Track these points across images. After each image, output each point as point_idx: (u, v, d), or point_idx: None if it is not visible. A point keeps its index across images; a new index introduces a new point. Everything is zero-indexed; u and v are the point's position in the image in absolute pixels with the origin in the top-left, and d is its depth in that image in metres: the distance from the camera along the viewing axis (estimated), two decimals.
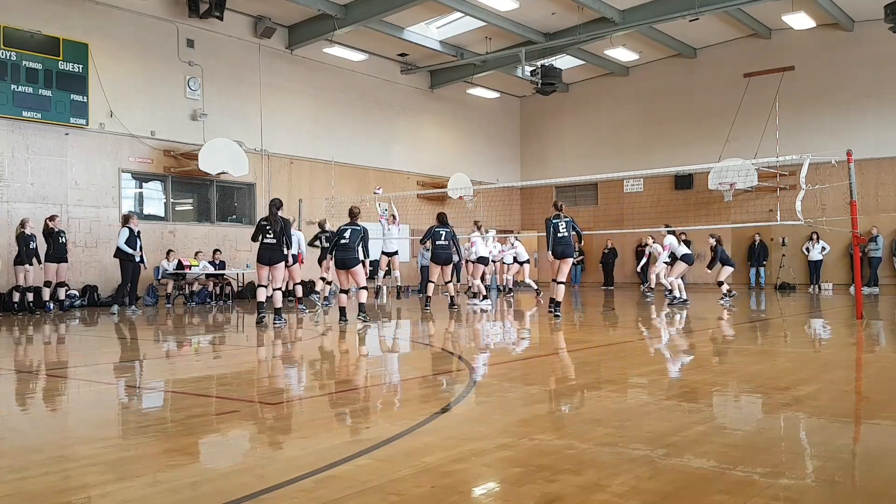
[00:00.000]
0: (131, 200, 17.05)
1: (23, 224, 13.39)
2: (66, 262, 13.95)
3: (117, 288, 13.89)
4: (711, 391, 5.15)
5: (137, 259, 13.52)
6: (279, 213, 10.66)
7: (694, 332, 9.88)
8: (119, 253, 13.48)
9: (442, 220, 13.18)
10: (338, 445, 3.62)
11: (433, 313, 12.51)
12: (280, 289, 10.78)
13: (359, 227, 11.04)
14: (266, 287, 11.03)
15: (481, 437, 3.76)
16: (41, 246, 13.59)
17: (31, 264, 13.31)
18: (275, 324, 10.26)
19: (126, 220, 13.71)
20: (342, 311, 10.95)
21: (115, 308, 13.34)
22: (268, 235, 10.52)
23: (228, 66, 18.51)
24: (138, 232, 13.65)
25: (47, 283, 13.70)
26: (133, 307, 13.58)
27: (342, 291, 11.34)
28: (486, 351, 7.87)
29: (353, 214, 11.24)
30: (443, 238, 12.97)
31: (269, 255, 10.56)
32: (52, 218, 13.76)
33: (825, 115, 20.88)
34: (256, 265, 10.93)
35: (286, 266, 11.03)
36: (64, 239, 13.87)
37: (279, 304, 10.62)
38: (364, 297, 11.25)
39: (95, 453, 3.51)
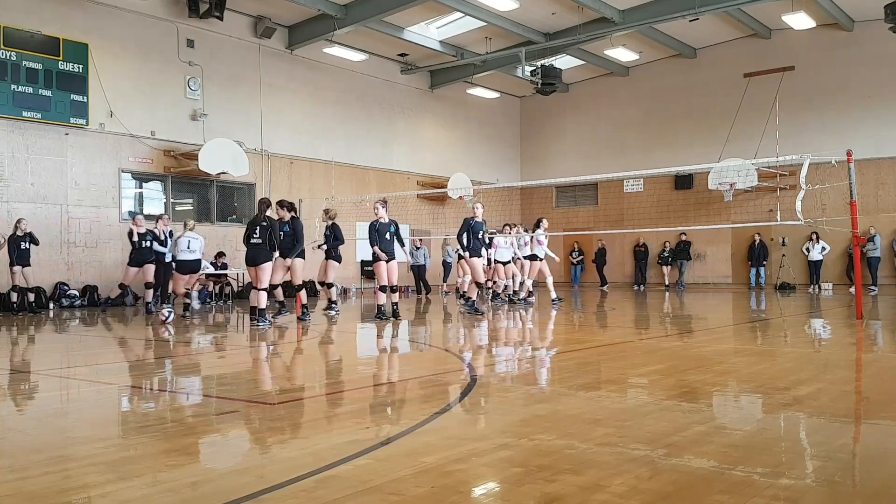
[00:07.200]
0: (131, 200, 17.05)
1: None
2: (29, 266, 13.40)
3: (160, 291, 14.08)
4: (711, 391, 5.15)
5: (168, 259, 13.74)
6: (267, 213, 10.52)
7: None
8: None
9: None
10: (338, 445, 3.62)
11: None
12: (265, 289, 10.48)
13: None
14: (262, 291, 10.50)
15: (481, 437, 3.75)
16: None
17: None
18: (252, 322, 10.18)
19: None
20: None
21: (167, 310, 13.48)
22: (254, 235, 10.31)
23: (228, 66, 18.51)
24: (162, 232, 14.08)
25: (14, 287, 13.41)
26: (169, 307, 13.80)
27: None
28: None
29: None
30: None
31: (254, 256, 10.30)
32: (17, 222, 13.45)
33: (825, 115, 20.86)
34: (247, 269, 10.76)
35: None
36: (26, 244, 13.33)
37: (263, 305, 10.35)
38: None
39: (95, 453, 3.51)
